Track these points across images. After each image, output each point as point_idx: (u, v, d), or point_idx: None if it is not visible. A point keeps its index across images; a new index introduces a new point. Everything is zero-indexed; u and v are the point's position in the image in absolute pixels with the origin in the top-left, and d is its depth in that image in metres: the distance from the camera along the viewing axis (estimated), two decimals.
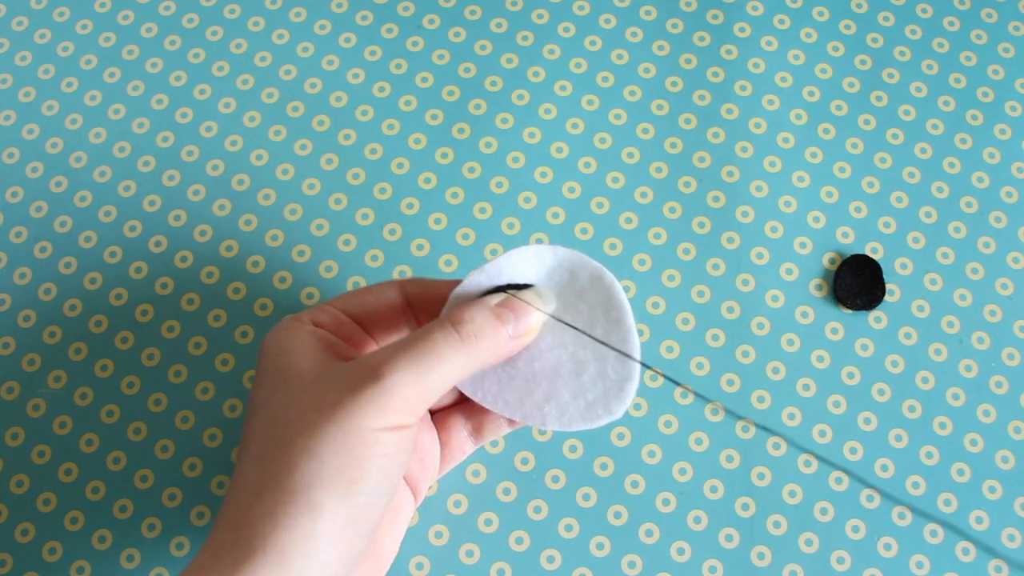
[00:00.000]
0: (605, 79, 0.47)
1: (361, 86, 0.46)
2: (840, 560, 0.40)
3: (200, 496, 0.41)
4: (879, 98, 0.46)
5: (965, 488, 0.41)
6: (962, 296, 0.43)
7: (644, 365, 0.34)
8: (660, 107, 0.46)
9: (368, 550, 0.35)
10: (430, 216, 0.44)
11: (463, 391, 0.35)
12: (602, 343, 0.34)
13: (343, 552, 0.31)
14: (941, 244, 0.44)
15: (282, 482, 0.30)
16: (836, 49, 0.47)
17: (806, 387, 0.42)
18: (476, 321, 0.33)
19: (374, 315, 0.36)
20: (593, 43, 0.47)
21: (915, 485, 0.41)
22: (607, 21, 0.47)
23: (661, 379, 0.42)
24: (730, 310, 0.43)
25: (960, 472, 0.41)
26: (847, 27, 0.47)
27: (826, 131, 0.46)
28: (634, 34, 0.47)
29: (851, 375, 0.42)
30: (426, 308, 0.36)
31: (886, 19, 0.48)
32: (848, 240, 0.44)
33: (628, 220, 0.44)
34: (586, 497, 0.41)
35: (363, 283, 0.43)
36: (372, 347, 0.37)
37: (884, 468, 0.41)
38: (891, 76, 0.47)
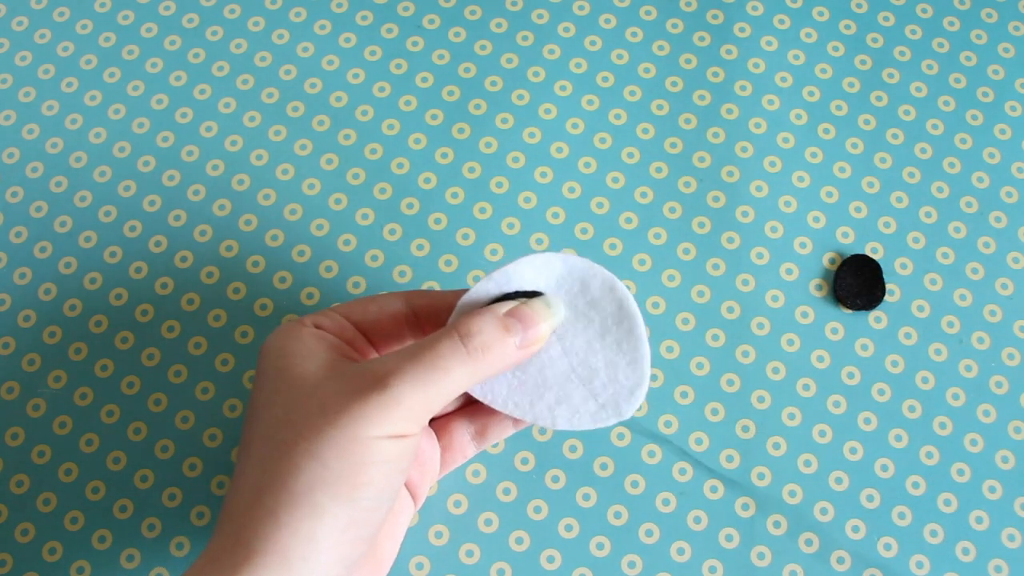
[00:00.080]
0: (605, 79, 0.46)
1: (361, 86, 0.46)
2: (840, 560, 0.40)
3: (200, 496, 0.41)
4: (879, 98, 0.46)
5: (965, 488, 0.41)
6: (962, 296, 0.43)
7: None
8: (660, 107, 0.46)
9: (368, 553, 0.35)
10: (430, 216, 0.44)
11: (471, 393, 0.35)
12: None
13: (344, 555, 0.31)
14: (941, 244, 0.44)
15: (284, 484, 0.30)
16: (836, 49, 0.47)
17: (806, 387, 0.42)
18: (484, 333, 0.32)
19: (377, 324, 0.36)
20: (593, 43, 0.47)
21: (915, 485, 0.41)
22: (607, 21, 0.47)
23: (661, 379, 0.42)
24: (730, 310, 0.43)
25: (960, 472, 0.41)
26: (847, 27, 0.47)
27: (826, 131, 0.46)
28: (634, 34, 0.47)
29: (851, 375, 0.42)
30: (433, 319, 0.36)
31: (886, 19, 0.48)
32: (848, 240, 0.44)
33: (628, 220, 0.44)
34: (586, 497, 0.41)
35: (363, 283, 0.43)
36: (373, 356, 0.37)
37: (884, 468, 0.41)
38: (891, 76, 0.47)
